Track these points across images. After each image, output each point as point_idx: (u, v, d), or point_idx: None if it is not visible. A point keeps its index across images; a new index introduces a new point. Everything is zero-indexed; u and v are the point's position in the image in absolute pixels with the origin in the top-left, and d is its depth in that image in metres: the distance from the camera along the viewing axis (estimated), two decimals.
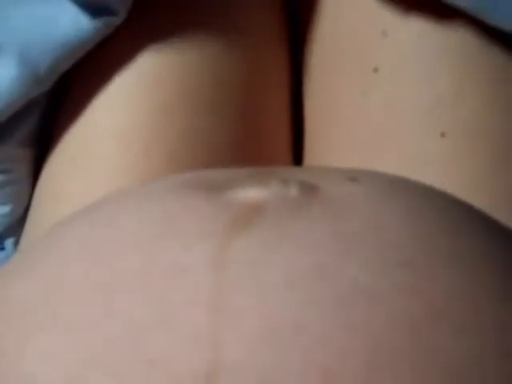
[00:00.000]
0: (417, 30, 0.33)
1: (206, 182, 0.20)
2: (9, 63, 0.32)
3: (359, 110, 0.35)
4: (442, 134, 0.32)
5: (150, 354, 0.15)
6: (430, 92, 0.33)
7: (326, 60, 0.37)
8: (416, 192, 0.21)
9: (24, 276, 0.18)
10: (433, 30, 0.33)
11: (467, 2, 0.32)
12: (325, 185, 0.20)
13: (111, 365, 0.15)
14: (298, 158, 0.38)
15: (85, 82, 0.35)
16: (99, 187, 0.32)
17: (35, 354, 0.16)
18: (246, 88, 0.35)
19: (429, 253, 0.17)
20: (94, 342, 0.15)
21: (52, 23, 0.32)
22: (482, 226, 0.20)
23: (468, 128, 0.32)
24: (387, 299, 0.16)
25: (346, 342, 0.15)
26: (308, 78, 0.38)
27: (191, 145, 0.33)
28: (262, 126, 0.36)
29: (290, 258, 0.16)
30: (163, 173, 0.33)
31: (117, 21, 0.33)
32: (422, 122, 0.33)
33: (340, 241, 0.17)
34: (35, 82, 0.32)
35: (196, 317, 0.15)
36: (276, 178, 0.19)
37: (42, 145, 0.36)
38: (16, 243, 0.36)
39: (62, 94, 0.36)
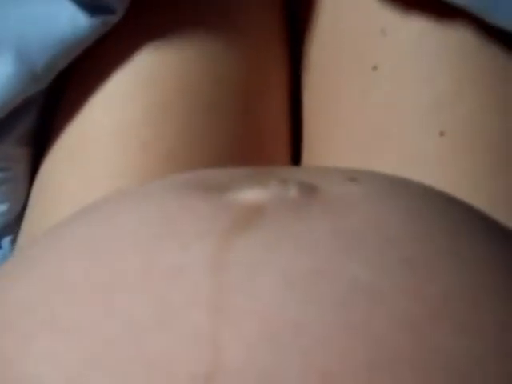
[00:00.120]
0: (416, 28, 0.33)
1: (204, 183, 0.20)
2: (6, 61, 0.32)
3: (358, 109, 0.35)
4: (441, 133, 0.32)
5: (149, 355, 0.15)
6: (430, 91, 0.33)
7: (325, 59, 0.37)
8: (416, 192, 0.21)
9: (23, 277, 0.18)
10: (433, 29, 0.33)
11: (467, 0, 0.32)
12: (324, 185, 0.19)
13: (111, 365, 0.15)
14: (296, 157, 0.38)
15: (83, 80, 0.35)
16: (97, 185, 0.32)
17: (35, 354, 0.16)
18: (245, 87, 0.35)
19: (429, 252, 0.17)
20: (93, 342, 0.15)
21: (49, 21, 0.32)
22: (482, 226, 0.20)
23: (467, 128, 0.32)
24: (388, 299, 0.16)
25: (346, 342, 0.15)
26: (307, 76, 0.38)
27: (189, 143, 0.33)
28: (260, 125, 0.36)
29: (289, 259, 0.16)
30: (161, 171, 0.32)
31: (114, 19, 0.33)
32: (421, 122, 0.33)
33: (339, 238, 0.17)
34: (32, 80, 0.32)
35: (196, 317, 0.15)
36: (275, 178, 0.19)
37: (40, 143, 0.36)
38: (13, 241, 0.36)
39: (60, 91, 0.36)
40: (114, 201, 0.21)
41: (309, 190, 0.19)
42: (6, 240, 0.36)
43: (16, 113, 0.33)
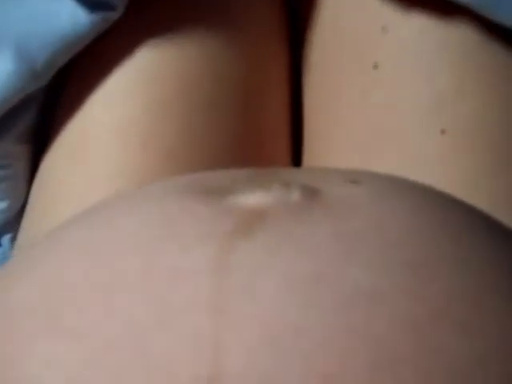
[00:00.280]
0: (418, 26, 0.33)
1: (205, 185, 0.20)
2: (5, 58, 0.32)
3: (359, 107, 0.35)
4: (443, 132, 0.32)
5: (150, 356, 0.15)
6: (431, 89, 0.33)
7: (325, 56, 0.37)
8: (417, 193, 0.21)
9: (24, 278, 0.18)
10: (434, 27, 0.33)
11: None
12: (326, 188, 0.19)
13: (112, 366, 0.15)
14: (297, 155, 0.38)
15: (83, 77, 0.34)
16: (97, 182, 0.32)
17: (36, 355, 0.16)
18: (245, 85, 0.35)
19: (431, 253, 0.17)
20: (94, 342, 0.15)
21: (49, 17, 0.32)
22: (484, 226, 0.20)
23: (468, 126, 0.32)
24: (389, 300, 0.16)
25: (347, 344, 0.15)
26: (308, 74, 0.38)
27: (189, 141, 0.33)
28: (261, 123, 0.36)
29: (290, 263, 0.16)
30: (161, 168, 0.32)
31: (115, 15, 0.33)
32: (422, 120, 0.33)
33: (341, 242, 0.17)
34: (32, 77, 0.32)
35: (196, 319, 0.15)
36: (277, 181, 0.19)
37: (40, 140, 0.36)
38: (13, 239, 0.35)
39: (60, 88, 0.36)
40: (115, 203, 0.21)
41: (311, 194, 0.19)
42: (6, 238, 0.35)
43: (16, 110, 0.33)
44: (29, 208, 0.35)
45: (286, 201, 0.19)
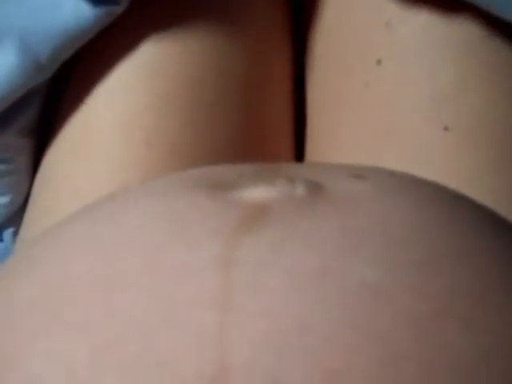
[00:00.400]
0: (421, 22, 0.33)
1: (211, 180, 0.20)
2: (9, 51, 0.32)
3: (361, 103, 0.34)
4: (446, 128, 0.32)
5: (155, 353, 0.15)
6: (434, 86, 0.33)
7: (329, 52, 0.36)
8: (422, 188, 0.21)
9: (26, 276, 0.18)
10: (437, 23, 0.33)
11: None
12: (331, 183, 0.19)
13: (115, 364, 0.15)
14: (299, 149, 0.38)
15: (86, 71, 0.34)
16: (100, 177, 0.32)
17: (37, 354, 0.16)
18: (248, 80, 0.35)
19: (435, 249, 0.17)
20: (97, 341, 0.15)
21: (53, 11, 0.32)
22: (488, 222, 0.20)
23: (471, 123, 0.32)
24: (394, 297, 0.16)
25: (352, 340, 0.15)
26: (311, 69, 0.38)
27: (192, 136, 0.33)
28: (263, 119, 0.36)
29: (295, 258, 0.16)
30: (164, 164, 0.32)
31: (118, 10, 0.33)
32: (425, 117, 0.33)
33: (346, 237, 0.17)
34: (36, 71, 0.32)
35: (201, 316, 0.15)
36: (282, 176, 0.19)
37: (42, 134, 0.36)
38: (15, 234, 0.35)
39: (63, 82, 0.36)
40: (117, 198, 0.21)
41: (315, 188, 0.19)
42: (8, 232, 0.35)
43: (18, 103, 0.33)
44: (31, 203, 0.35)
45: (291, 195, 0.19)
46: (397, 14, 0.34)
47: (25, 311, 0.17)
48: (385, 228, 0.17)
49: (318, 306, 0.15)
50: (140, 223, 0.18)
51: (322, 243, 0.17)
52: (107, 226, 0.19)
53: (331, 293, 0.15)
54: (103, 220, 0.19)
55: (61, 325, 0.16)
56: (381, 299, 0.15)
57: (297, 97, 0.39)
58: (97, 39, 0.33)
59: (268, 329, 0.15)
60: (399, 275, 0.16)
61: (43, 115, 0.36)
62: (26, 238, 0.34)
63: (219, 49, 0.35)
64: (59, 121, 0.34)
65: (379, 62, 0.34)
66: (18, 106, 0.33)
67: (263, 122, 0.36)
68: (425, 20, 0.33)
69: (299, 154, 0.38)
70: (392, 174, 0.22)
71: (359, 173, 0.20)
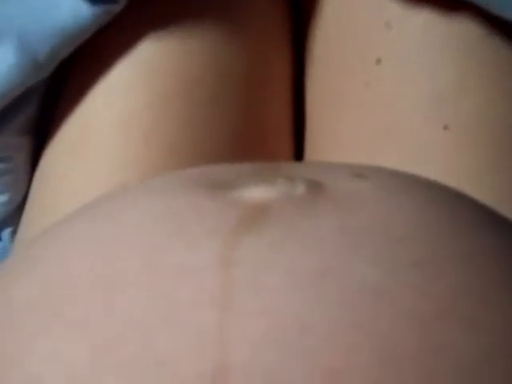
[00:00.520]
0: (421, 22, 0.33)
1: (210, 179, 0.20)
2: (7, 50, 0.32)
3: (361, 103, 0.34)
4: (445, 127, 0.32)
5: (154, 353, 0.14)
6: (433, 85, 0.32)
7: (328, 51, 0.36)
8: (423, 188, 0.21)
9: (25, 275, 0.18)
10: (437, 22, 0.33)
11: None
12: (331, 182, 0.19)
13: (114, 364, 0.15)
14: (299, 149, 0.38)
15: (84, 70, 0.34)
16: (98, 177, 0.32)
17: (37, 354, 0.15)
18: (247, 79, 0.35)
19: (437, 249, 0.17)
20: (97, 340, 0.15)
21: (51, 10, 0.32)
22: (489, 221, 0.20)
23: (471, 122, 0.32)
24: (395, 296, 0.15)
25: (352, 339, 0.15)
26: (310, 69, 0.38)
27: (191, 136, 0.33)
28: (263, 118, 0.36)
29: (295, 257, 0.16)
30: (163, 163, 0.32)
31: (117, 8, 0.33)
32: (425, 116, 0.33)
33: (347, 235, 0.17)
34: (34, 69, 0.32)
35: (201, 316, 0.15)
36: (282, 176, 0.19)
37: (41, 132, 0.36)
38: (13, 233, 0.35)
39: (62, 81, 0.35)
40: (116, 197, 0.21)
41: (315, 188, 0.19)
42: (6, 232, 0.35)
43: (17, 102, 0.33)
44: (29, 202, 0.35)
45: (291, 195, 0.19)
46: (397, 13, 0.34)
47: (24, 310, 0.17)
48: (386, 227, 0.17)
49: (317, 305, 0.15)
50: (139, 222, 0.18)
51: (321, 242, 0.17)
52: (106, 225, 0.19)
53: (331, 292, 0.15)
54: (102, 219, 0.19)
55: (60, 324, 0.16)
56: (382, 299, 0.15)
57: (296, 96, 0.39)
58: (95, 38, 0.33)
59: (268, 328, 0.15)
60: (401, 275, 0.16)
61: (42, 114, 0.36)
62: (24, 238, 0.34)
63: (219, 48, 0.34)
64: (57, 119, 0.34)
65: (379, 61, 0.34)
66: (16, 105, 0.33)
67: (263, 121, 0.36)
68: (424, 19, 0.33)
69: (299, 154, 0.38)
70: (393, 174, 0.21)
71: (360, 172, 0.20)
